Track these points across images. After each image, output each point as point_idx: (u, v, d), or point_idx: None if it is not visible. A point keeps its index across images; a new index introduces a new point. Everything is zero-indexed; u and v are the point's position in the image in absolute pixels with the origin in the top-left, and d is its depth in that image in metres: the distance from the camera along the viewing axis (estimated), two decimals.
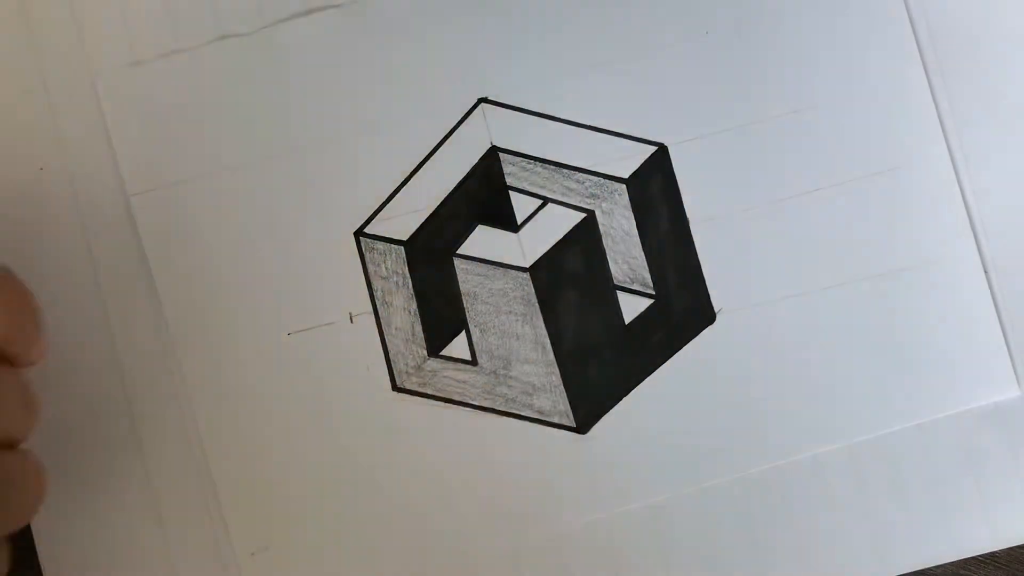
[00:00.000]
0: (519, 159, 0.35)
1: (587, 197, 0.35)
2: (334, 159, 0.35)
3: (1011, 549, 0.35)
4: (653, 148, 0.35)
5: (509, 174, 0.35)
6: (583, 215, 0.35)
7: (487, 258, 0.35)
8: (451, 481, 0.35)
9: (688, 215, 0.35)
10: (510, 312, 0.35)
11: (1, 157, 0.35)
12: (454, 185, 0.35)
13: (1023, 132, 0.35)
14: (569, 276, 0.35)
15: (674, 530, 0.35)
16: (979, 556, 0.35)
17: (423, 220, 0.35)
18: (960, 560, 0.35)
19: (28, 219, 0.35)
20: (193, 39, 0.35)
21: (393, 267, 0.35)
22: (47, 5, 0.35)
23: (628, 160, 0.35)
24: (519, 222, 0.35)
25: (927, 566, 0.35)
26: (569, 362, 0.35)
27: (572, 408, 0.35)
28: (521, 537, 0.35)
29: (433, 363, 0.35)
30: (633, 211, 0.35)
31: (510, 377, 0.35)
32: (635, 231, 0.35)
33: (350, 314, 0.35)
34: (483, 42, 0.35)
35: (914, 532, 0.35)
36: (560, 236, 0.35)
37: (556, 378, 0.35)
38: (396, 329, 0.35)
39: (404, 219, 0.35)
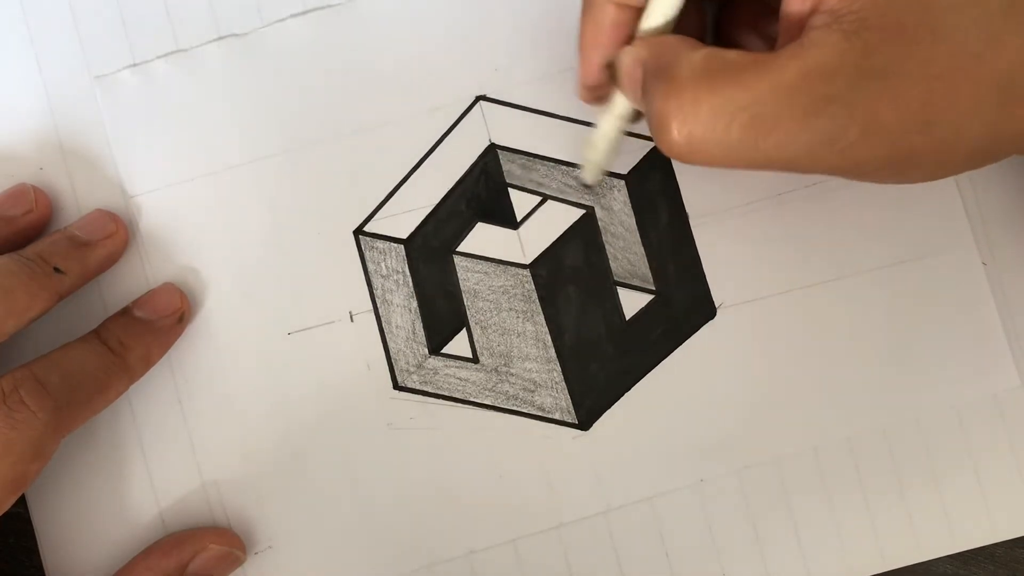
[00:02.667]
0: (518, 156, 0.35)
1: (586, 193, 0.35)
2: (333, 158, 0.35)
3: (1011, 548, 0.35)
4: (652, 144, 0.35)
5: (508, 171, 0.35)
6: (582, 211, 0.35)
7: (487, 255, 0.35)
8: (453, 478, 0.35)
9: (687, 210, 0.35)
10: (511, 309, 0.35)
11: (1, 157, 0.35)
12: (453, 183, 0.35)
13: None
14: (569, 272, 0.35)
15: (675, 524, 0.35)
16: (979, 555, 0.35)
17: (423, 218, 0.35)
18: (960, 559, 0.35)
19: None
20: (192, 39, 0.35)
21: (393, 265, 0.35)
22: (47, 5, 0.35)
23: (627, 156, 0.35)
24: (519, 219, 0.35)
25: (927, 559, 0.35)
26: (570, 358, 0.35)
27: (574, 404, 0.35)
28: (523, 533, 0.35)
29: (434, 361, 0.35)
30: (632, 207, 0.35)
31: (511, 374, 0.35)
32: (635, 227, 0.35)
33: (350, 313, 0.35)
34: (481, 40, 0.35)
35: (914, 525, 0.35)
36: (560, 233, 0.35)
37: (557, 375, 0.35)
38: (396, 327, 0.35)
39: (404, 217, 0.35)
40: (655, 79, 0.27)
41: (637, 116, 0.31)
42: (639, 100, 0.29)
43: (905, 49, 0.25)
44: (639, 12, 0.29)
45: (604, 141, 0.32)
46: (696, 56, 0.27)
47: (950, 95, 0.25)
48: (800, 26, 0.27)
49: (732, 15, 0.33)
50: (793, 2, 0.27)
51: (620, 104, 0.31)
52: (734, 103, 0.26)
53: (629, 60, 0.29)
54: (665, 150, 0.27)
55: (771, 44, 0.31)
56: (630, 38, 0.29)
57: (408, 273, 0.35)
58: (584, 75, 0.31)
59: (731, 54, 0.27)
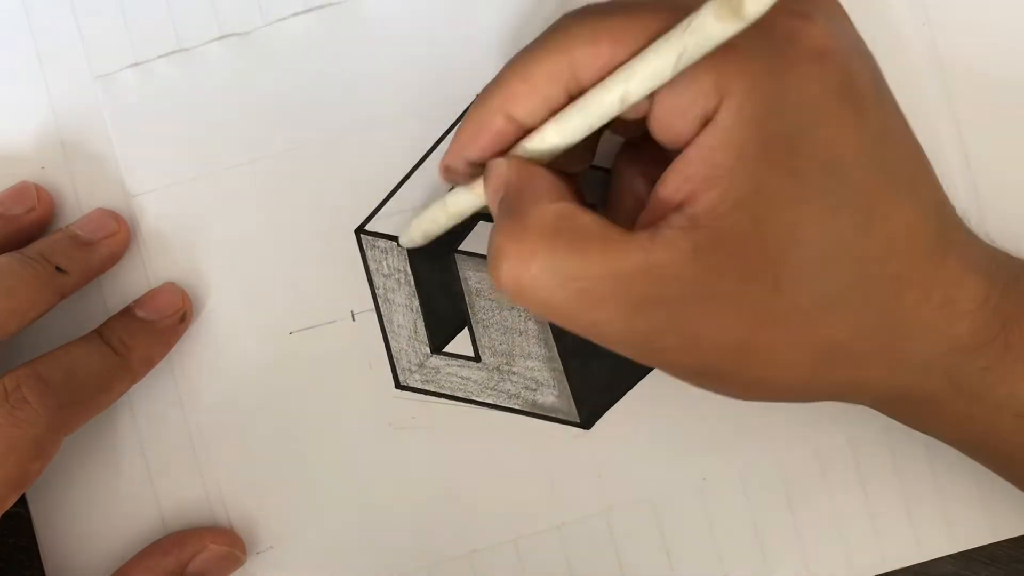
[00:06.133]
0: None
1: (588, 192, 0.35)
2: (334, 157, 0.35)
3: (1011, 548, 0.35)
4: None
5: None
6: None
7: None
8: (455, 478, 0.35)
9: None
10: (512, 308, 0.35)
11: (2, 156, 0.35)
12: None
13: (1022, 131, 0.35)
14: None
15: (677, 524, 0.35)
16: (979, 555, 0.35)
17: None
18: (961, 559, 0.35)
19: None
20: (194, 39, 0.35)
21: (395, 264, 0.35)
22: (48, 5, 0.35)
23: None
24: None
25: (927, 559, 0.35)
26: (572, 358, 0.35)
27: (576, 403, 0.35)
28: (524, 532, 0.35)
29: (436, 360, 0.35)
30: None
31: (513, 373, 0.35)
32: None
33: (352, 312, 0.35)
34: (483, 39, 0.35)
35: (914, 525, 0.35)
36: None
37: (559, 374, 0.35)
38: (398, 326, 0.35)
39: (405, 216, 0.35)
40: (506, 212, 0.27)
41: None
42: (494, 212, 0.28)
43: (743, 286, 0.25)
44: (526, 132, 0.28)
45: (448, 218, 0.32)
46: (548, 209, 0.26)
47: (769, 345, 0.26)
48: (664, 212, 0.26)
49: (631, 153, 0.32)
50: (667, 187, 0.26)
51: (480, 196, 0.30)
52: (567, 271, 0.26)
53: (496, 175, 0.28)
54: (494, 283, 0.27)
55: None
56: (506, 150, 0.29)
57: (410, 272, 0.35)
58: (449, 161, 0.30)
59: (585, 218, 0.26)
